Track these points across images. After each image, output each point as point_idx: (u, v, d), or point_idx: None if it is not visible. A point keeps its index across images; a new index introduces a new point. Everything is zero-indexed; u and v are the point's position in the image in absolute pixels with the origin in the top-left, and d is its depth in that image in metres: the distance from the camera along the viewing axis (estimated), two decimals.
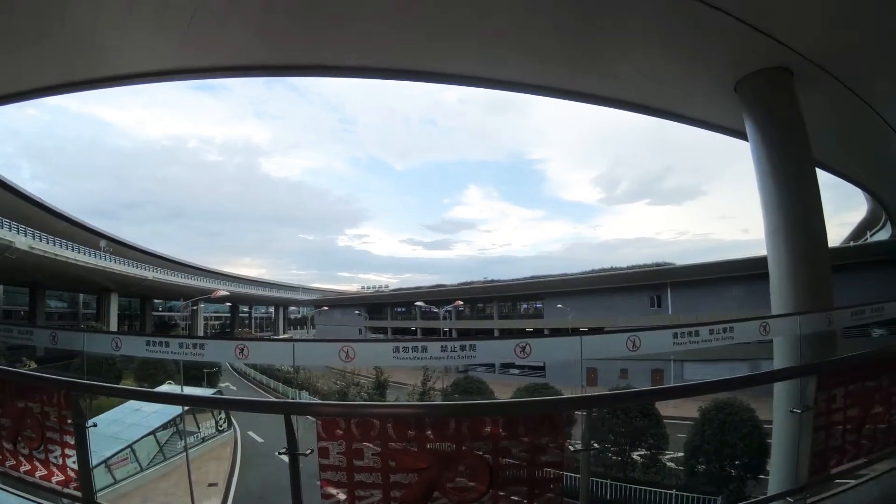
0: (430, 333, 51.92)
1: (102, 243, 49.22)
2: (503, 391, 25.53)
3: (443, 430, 2.20)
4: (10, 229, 35.85)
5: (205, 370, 33.86)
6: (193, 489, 13.70)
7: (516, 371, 42.55)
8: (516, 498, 2.19)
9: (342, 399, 27.90)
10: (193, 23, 7.04)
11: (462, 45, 8.32)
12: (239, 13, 7.06)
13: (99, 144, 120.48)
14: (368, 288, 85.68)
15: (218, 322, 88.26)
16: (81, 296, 62.04)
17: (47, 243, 40.10)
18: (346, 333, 60.76)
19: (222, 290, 41.28)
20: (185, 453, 17.15)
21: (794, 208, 8.47)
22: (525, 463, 2.18)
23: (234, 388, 40.19)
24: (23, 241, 36.73)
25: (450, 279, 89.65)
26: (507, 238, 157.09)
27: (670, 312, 37.33)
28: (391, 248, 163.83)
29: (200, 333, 53.78)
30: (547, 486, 2.19)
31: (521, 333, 43.33)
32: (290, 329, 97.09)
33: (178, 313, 71.31)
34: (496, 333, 46.06)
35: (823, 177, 12.53)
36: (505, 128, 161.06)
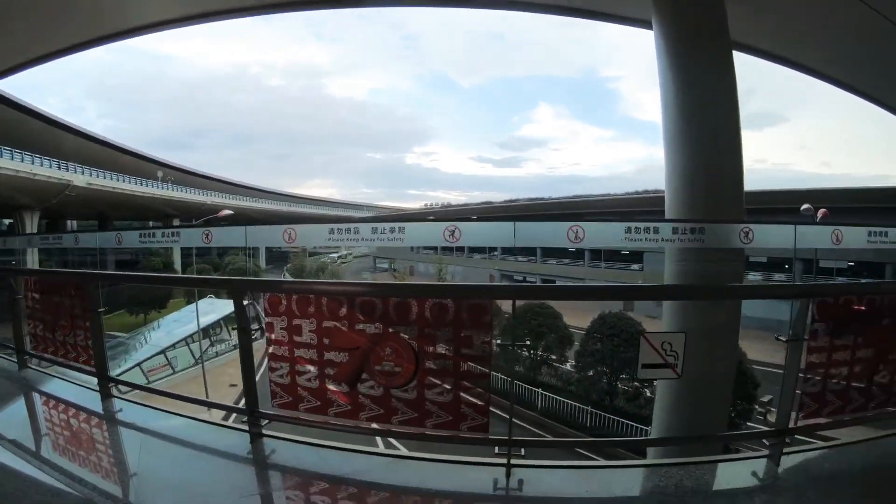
0: (476, 249, 52.57)
1: (159, 173, 51.85)
2: (508, 305, 25.59)
3: (371, 310, 2.29)
4: (67, 169, 38.53)
5: None
6: (211, 389, 15.09)
7: None
8: (441, 389, 2.29)
9: None
10: None
11: None
12: None
13: (163, 78, 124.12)
14: (431, 205, 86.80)
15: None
16: (151, 223, 66.38)
17: (104, 178, 42.79)
18: (399, 250, 62.50)
19: (226, 210, 41.95)
20: (214, 357, 18.96)
21: (703, 106, 7.04)
22: (451, 353, 2.25)
23: None
24: (81, 178, 39.36)
25: (519, 197, 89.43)
26: (578, 157, 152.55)
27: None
28: (460, 166, 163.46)
29: (263, 255, 56.88)
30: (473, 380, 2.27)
31: (563, 253, 43.63)
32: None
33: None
34: (538, 252, 46.38)
35: None
36: (576, 43, 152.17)
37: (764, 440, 2.54)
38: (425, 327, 2.23)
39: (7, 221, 42.63)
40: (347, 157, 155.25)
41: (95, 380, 3.45)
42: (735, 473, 2.50)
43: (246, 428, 2.66)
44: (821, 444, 2.80)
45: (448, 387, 2.26)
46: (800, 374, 2.46)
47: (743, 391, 13.95)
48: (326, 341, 2.38)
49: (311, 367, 2.43)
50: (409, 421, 2.31)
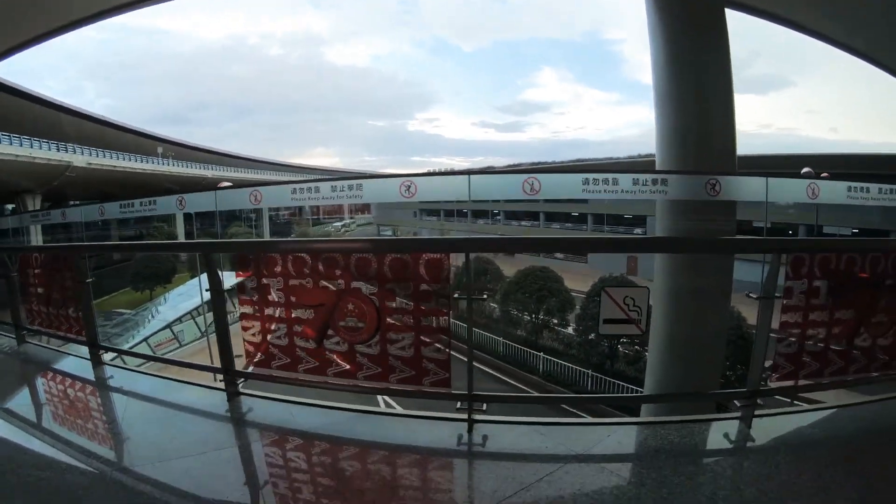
0: (479, 215, 52.49)
1: (159, 149, 51.78)
2: (509, 271, 25.45)
3: (334, 267, 2.32)
4: (67, 151, 38.45)
5: None
6: (217, 360, 15.24)
7: (560, 255, 43.00)
8: (402, 344, 2.33)
9: None
10: None
11: None
12: None
13: (160, 54, 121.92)
14: (434, 171, 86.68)
15: (287, 212, 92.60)
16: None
17: (104, 157, 42.70)
18: (401, 216, 62.51)
19: (226, 182, 42.20)
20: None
21: (693, 63, 6.80)
22: (411, 306, 2.27)
23: None
24: (80, 158, 39.29)
25: (522, 161, 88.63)
26: (582, 121, 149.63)
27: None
28: (463, 131, 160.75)
29: (266, 226, 57.06)
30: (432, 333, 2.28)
31: (566, 218, 43.40)
32: (355, 215, 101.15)
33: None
34: (541, 216, 46.15)
35: None
36: (577, 5, 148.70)
37: (735, 401, 2.47)
38: (385, 282, 2.26)
39: (10, 206, 42.76)
40: (349, 125, 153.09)
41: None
42: (704, 435, 2.44)
43: (223, 387, 2.75)
44: (804, 406, 2.72)
45: (409, 342, 2.29)
46: (772, 335, 2.38)
47: (743, 355, 13.95)
48: (293, 299, 2.42)
49: (280, 326, 2.48)
50: (374, 376, 2.36)
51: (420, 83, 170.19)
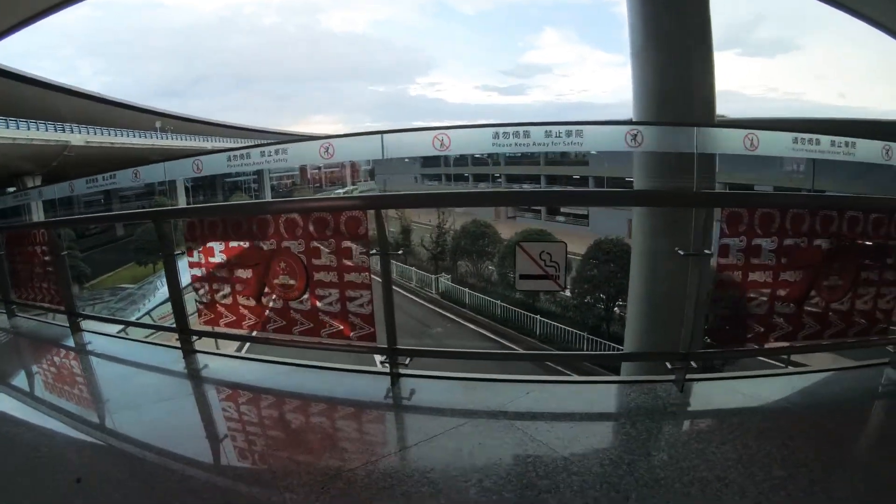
0: (481, 179, 51.92)
1: (158, 123, 51.53)
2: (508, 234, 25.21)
3: (266, 228, 2.45)
4: (64, 130, 38.38)
5: None
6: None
7: (562, 219, 42.93)
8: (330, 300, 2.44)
9: None
10: None
11: None
12: None
13: (156, 28, 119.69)
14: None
15: (289, 181, 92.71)
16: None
17: (102, 134, 42.57)
18: (403, 181, 62.38)
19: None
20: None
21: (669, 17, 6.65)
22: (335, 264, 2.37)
23: None
24: (78, 137, 39.12)
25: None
26: (586, 83, 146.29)
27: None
28: (465, 96, 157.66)
29: (268, 193, 57.09)
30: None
31: (567, 180, 43.14)
32: (357, 182, 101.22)
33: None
34: (542, 180, 45.94)
35: None
36: None
37: (667, 363, 2.39)
38: (310, 240, 2.39)
39: (11, 189, 42.93)
40: (350, 92, 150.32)
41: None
42: (631, 397, 2.35)
43: (178, 346, 2.95)
44: (744, 372, 2.60)
45: (335, 297, 2.43)
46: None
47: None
48: (234, 260, 2.58)
49: (224, 286, 2.65)
50: (307, 331, 2.52)
51: (421, 48, 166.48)
